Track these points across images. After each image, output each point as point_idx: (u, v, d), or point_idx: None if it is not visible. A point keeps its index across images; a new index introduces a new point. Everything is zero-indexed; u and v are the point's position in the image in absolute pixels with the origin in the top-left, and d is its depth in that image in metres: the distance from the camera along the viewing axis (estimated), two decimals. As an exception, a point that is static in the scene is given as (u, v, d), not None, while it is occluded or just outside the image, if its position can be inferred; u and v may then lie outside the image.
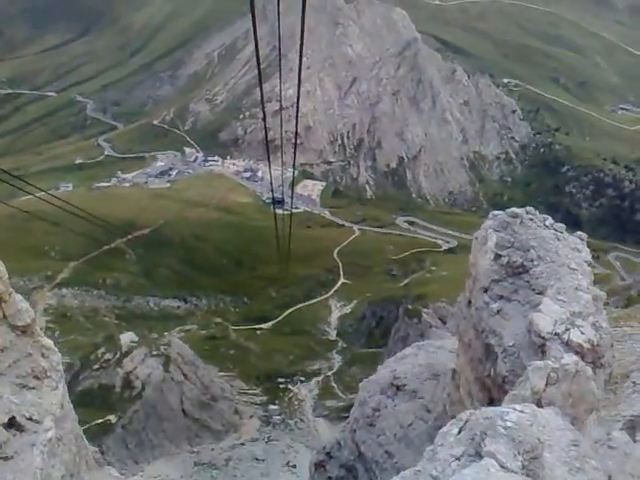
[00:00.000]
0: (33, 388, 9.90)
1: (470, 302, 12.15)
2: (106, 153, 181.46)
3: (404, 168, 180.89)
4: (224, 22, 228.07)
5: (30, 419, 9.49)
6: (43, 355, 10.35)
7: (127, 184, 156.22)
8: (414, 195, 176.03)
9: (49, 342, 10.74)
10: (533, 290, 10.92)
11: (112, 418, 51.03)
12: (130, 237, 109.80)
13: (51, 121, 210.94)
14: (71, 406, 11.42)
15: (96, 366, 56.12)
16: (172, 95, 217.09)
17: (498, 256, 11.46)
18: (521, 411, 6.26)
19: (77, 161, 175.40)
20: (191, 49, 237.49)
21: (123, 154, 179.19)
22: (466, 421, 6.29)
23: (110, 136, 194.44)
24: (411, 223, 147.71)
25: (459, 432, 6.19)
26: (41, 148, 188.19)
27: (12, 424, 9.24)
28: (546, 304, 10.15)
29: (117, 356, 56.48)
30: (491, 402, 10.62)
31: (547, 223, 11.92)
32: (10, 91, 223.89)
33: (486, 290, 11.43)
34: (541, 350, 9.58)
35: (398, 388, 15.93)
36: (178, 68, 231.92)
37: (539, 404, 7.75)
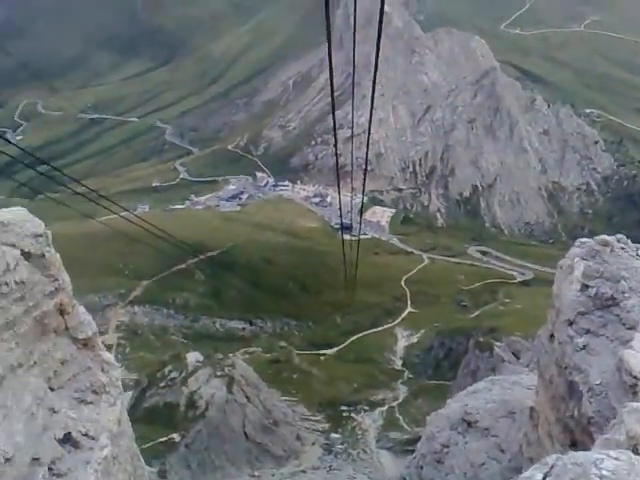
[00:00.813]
0: (91, 403, 9.65)
1: (553, 336, 11.26)
2: (181, 177, 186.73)
3: (478, 197, 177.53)
4: (301, 51, 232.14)
5: (86, 435, 9.22)
6: (103, 370, 10.13)
7: (200, 207, 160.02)
8: (488, 225, 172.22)
9: (109, 357, 10.53)
10: (624, 325, 10.00)
11: (176, 437, 51.10)
12: (200, 258, 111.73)
13: (132, 145, 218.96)
14: (129, 424, 11.14)
15: (162, 384, 56.54)
16: (247, 121, 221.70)
17: (585, 287, 10.57)
18: (616, 458, 5.52)
19: (154, 184, 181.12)
20: (267, 77, 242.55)
21: (197, 178, 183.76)
22: (552, 466, 5.60)
23: (186, 160, 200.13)
24: (484, 253, 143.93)
25: (544, 478, 5.50)
26: (121, 171, 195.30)
27: (67, 439, 8.98)
28: (638, 340, 9.27)
29: (183, 375, 56.76)
30: (574, 445, 9.77)
31: (640, 253, 10.97)
32: (95, 116, 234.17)
33: (571, 323, 10.54)
34: (632, 391, 8.68)
35: (469, 424, 15.01)
36: (254, 95, 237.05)
37: (635, 451, 6.90)
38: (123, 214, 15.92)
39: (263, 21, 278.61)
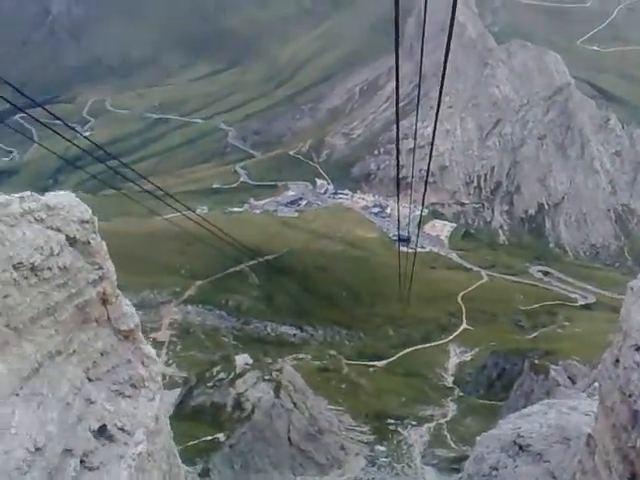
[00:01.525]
0: (129, 397, 9.39)
1: (618, 361, 10.42)
2: (241, 180, 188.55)
3: (543, 215, 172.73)
4: (369, 59, 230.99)
5: (122, 429, 8.96)
6: (143, 363, 9.86)
7: (258, 211, 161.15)
8: (552, 244, 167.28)
9: (151, 350, 10.26)
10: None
11: (221, 437, 51.33)
12: (255, 262, 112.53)
13: (194, 146, 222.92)
14: (167, 421, 10.86)
15: (210, 384, 56.97)
16: (310, 127, 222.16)
17: (657, 310, 9.73)
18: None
19: (214, 185, 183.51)
20: (334, 83, 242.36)
21: (257, 182, 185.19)
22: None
23: (247, 164, 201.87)
24: (545, 273, 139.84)
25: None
26: (183, 171, 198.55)
27: (102, 432, 8.73)
28: None
29: (231, 376, 57.05)
30: (633, 477, 9.00)
31: None
32: (160, 116, 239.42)
33: (639, 348, 9.75)
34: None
35: (521, 448, 14.22)
36: (319, 102, 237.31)
37: None
38: (186, 213, 16.10)
39: (333, 27, 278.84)
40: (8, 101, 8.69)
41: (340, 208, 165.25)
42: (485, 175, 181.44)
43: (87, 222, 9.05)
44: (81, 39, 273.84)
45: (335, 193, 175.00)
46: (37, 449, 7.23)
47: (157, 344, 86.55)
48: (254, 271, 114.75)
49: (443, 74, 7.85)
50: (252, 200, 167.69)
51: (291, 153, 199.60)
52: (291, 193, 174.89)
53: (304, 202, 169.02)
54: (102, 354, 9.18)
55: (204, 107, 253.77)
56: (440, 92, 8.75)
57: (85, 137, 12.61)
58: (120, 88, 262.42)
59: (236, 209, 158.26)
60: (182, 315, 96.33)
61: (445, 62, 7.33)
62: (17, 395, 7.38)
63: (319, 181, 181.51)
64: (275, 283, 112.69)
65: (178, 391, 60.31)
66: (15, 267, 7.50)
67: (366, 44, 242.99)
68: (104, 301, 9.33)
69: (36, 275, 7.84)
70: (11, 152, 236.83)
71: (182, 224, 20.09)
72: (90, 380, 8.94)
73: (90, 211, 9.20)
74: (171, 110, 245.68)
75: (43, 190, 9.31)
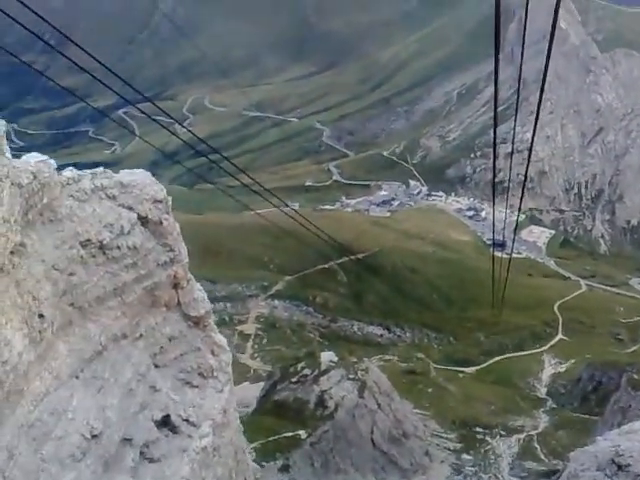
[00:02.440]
0: (196, 387, 8.91)
1: None
2: (334, 178, 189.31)
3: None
4: (468, 62, 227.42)
5: (186, 421, 8.48)
6: (213, 352, 9.34)
7: (349, 209, 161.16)
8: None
9: (222, 339, 9.74)
10: None
11: (302, 434, 51.13)
12: (344, 260, 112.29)
13: (289, 144, 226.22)
14: (236, 415, 10.34)
15: (294, 379, 56.86)
16: (405, 129, 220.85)
17: None
18: None
19: (307, 183, 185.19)
20: (431, 86, 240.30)
21: (350, 180, 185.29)
22: None
23: (340, 163, 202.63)
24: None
25: None
26: (277, 168, 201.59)
27: (166, 423, 8.27)
28: None
29: (315, 373, 56.71)
30: None
31: None
32: (257, 114, 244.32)
33: None
34: None
35: (620, 467, 12.86)
36: (415, 104, 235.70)
37: None
38: (283, 209, 16.00)
39: (433, 31, 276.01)
40: (118, 94, 8.89)
41: (433, 210, 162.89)
42: (586, 182, 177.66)
43: (160, 201, 8.67)
44: (183, 39, 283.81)
45: (428, 194, 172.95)
46: (94, 436, 6.85)
47: (243, 337, 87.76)
48: (343, 269, 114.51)
49: (543, 79, 7.81)
50: (344, 198, 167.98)
51: (385, 154, 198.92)
52: (383, 193, 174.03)
53: (396, 202, 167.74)
54: (170, 340, 8.79)
55: (300, 106, 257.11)
56: (540, 97, 9.06)
57: (189, 130, 12.69)
58: (219, 87, 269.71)
59: (328, 207, 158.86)
60: (269, 309, 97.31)
61: (546, 68, 7.31)
62: (77, 378, 7.05)
63: (412, 182, 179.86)
64: (364, 282, 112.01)
65: (261, 385, 60.70)
66: (83, 244, 7.24)
67: (466, 48, 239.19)
68: (175, 285, 8.96)
69: (104, 254, 7.57)
70: (113, 145, 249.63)
71: (274, 219, 19.96)
72: (156, 366, 8.56)
73: (165, 190, 8.84)
74: (268, 109, 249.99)
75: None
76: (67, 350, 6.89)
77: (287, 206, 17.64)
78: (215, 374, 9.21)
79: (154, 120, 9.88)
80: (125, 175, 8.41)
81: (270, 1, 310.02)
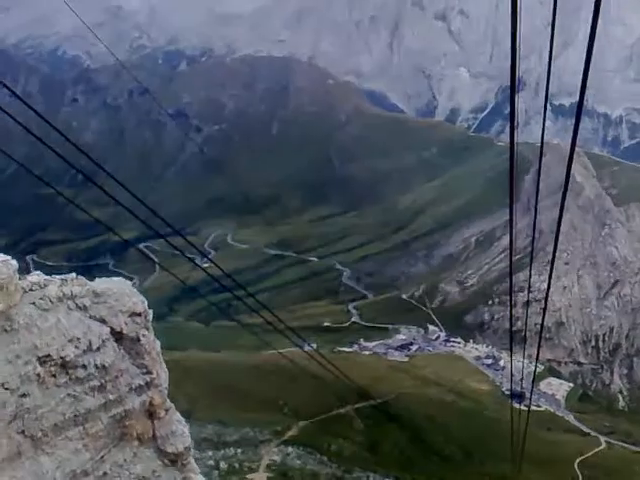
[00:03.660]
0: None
1: None
2: (353, 319, 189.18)
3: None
4: (486, 211, 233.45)
5: None
6: (191, 497, 8.03)
7: (367, 352, 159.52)
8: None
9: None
10: None
11: None
12: (361, 405, 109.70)
13: (308, 284, 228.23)
14: None
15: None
16: (424, 273, 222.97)
17: None
18: None
19: (325, 323, 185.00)
20: (450, 232, 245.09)
21: (368, 322, 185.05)
22: None
23: (359, 304, 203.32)
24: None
25: None
26: (295, 307, 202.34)
27: None
28: None
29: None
30: None
31: None
32: (278, 252, 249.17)
33: None
34: None
35: None
36: (434, 249, 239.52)
37: None
38: (305, 350, 16.04)
39: (451, 179, 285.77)
40: (145, 223, 9.12)
41: (451, 356, 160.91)
42: (603, 335, 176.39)
43: (139, 315, 7.47)
44: (210, 177, 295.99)
45: (447, 340, 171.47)
46: None
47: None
48: (359, 415, 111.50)
49: (557, 231, 8.39)
50: (362, 341, 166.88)
51: (404, 297, 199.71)
52: (402, 337, 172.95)
53: (415, 347, 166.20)
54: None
55: (320, 246, 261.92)
56: (554, 248, 9.86)
57: (213, 263, 12.62)
58: (242, 224, 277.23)
59: (345, 349, 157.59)
60: (282, 456, 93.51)
61: (560, 219, 7.51)
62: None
63: (431, 327, 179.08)
64: (381, 429, 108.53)
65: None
66: (41, 360, 6.27)
67: (483, 197, 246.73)
68: (150, 414, 7.63)
69: (67, 373, 6.55)
70: (132, 279, 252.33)
71: (292, 359, 19.96)
72: (122, 516, 7.32)
73: (146, 303, 7.66)
74: (288, 247, 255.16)
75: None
76: (12, 490, 5.94)
77: (309, 345, 17.90)
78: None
79: (180, 251, 9.71)
80: (100, 283, 7.34)
81: (295, 143, 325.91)
